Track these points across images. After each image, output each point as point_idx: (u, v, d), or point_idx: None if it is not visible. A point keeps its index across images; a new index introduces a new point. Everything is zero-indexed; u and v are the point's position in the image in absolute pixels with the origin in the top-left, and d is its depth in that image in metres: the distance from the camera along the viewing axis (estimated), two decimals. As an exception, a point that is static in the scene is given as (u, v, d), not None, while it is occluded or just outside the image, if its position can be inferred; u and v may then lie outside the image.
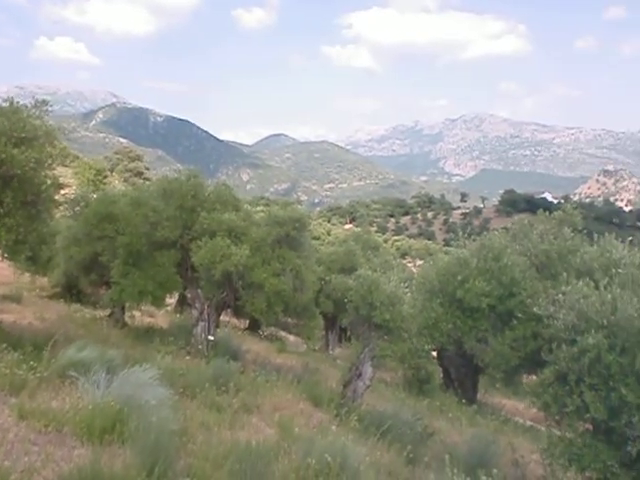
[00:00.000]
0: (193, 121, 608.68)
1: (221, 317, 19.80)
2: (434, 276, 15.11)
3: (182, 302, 24.36)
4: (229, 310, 21.29)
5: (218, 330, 16.71)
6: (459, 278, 14.41)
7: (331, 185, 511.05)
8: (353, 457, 7.33)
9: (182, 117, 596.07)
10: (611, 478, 7.13)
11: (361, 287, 11.76)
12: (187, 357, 13.16)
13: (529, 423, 16.98)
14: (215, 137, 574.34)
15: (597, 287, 7.40)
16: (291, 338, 27.34)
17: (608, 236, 8.97)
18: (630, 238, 8.64)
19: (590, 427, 7.62)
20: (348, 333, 27.29)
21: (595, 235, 9.54)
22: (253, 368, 14.00)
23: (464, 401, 16.73)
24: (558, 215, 14.09)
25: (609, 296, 7.11)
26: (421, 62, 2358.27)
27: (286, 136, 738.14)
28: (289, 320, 24.85)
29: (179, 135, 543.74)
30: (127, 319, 18.34)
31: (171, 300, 24.24)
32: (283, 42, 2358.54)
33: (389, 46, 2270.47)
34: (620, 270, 7.50)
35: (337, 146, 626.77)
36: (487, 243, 14.51)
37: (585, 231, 12.55)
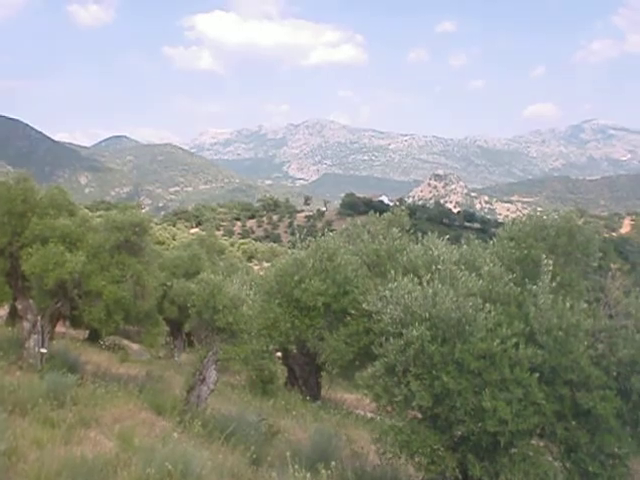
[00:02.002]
0: (25, 121, 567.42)
1: (57, 329, 18.73)
2: (272, 277, 15.45)
3: (14, 314, 22.74)
4: (66, 321, 20.22)
5: (54, 342, 15.80)
6: (296, 278, 14.87)
7: (176, 189, 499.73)
8: (195, 463, 7.32)
9: (13, 116, 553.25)
10: (438, 461, 7.68)
11: (204, 291, 11.72)
12: (18, 372, 12.33)
13: (370, 415, 17.79)
14: (50, 138, 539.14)
15: (421, 283, 7.98)
16: (134, 347, 26.48)
17: (431, 235, 9.69)
18: (447, 236, 9.39)
19: (418, 414, 8.18)
20: (192, 338, 26.95)
21: (420, 234, 10.32)
22: (93, 380, 13.41)
23: (309, 398, 17.20)
24: (388, 216, 14.96)
25: (430, 291, 7.69)
26: (265, 67, 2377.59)
27: (128, 138, 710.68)
28: (131, 328, 24.09)
29: (10, 136, 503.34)
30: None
31: (1, 312, 22.54)
32: (122, 41, 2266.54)
33: (233, 50, 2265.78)
34: (440, 267, 8.14)
35: (181, 149, 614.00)
36: (322, 244, 15.11)
37: (412, 231, 13.46)
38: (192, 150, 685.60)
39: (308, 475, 7.32)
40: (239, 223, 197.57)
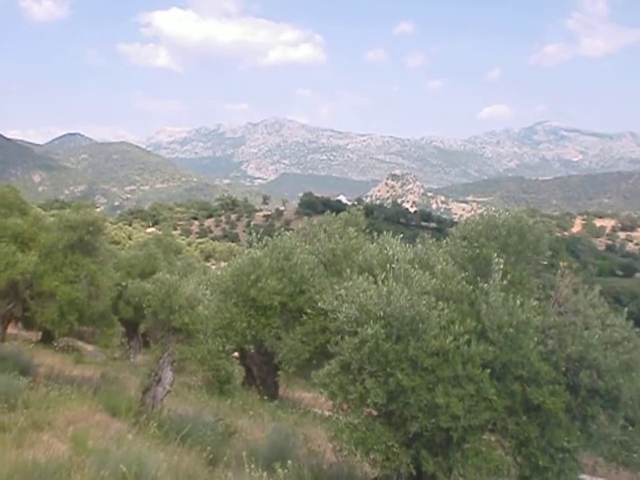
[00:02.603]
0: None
1: (9, 330, 18.32)
2: (228, 277, 15.40)
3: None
4: (18, 322, 19.79)
5: (6, 344, 15.45)
6: (252, 278, 14.85)
7: (132, 187, 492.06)
8: (150, 464, 7.25)
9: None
10: (392, 458, 7.79)
11: (159, 291, 11.62)
12: (-35, 377, 11.99)
13: (327, 413, 17.88)
14: (2, 136, 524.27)
15: (376, 282, 8.08)
16: (89, 348, 26.05)
17: (386, 234, 9.80)
18: (401, 235, 9.51)
19: (373, 412, 8.28)
20: (148, 339, 26.68)
21: (376, 233, 10.42)
22: (46, 382, 13.15)
23: (266, 398, 17.19)
24: (344, 216, 15.08)
25: (385, 289, 7.79)
26: (223, 65, 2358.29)
27: (82, 136, 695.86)
28: (85, 329, 23.69)
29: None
30: None
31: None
32: (76, 37, 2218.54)
33: (191, 47, 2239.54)
34: (394, 265, 8.25)
35: (138, 147, 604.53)
36: (279, 243, 15.12)
37: (368, 230, 13.60)
38: (149, 148, 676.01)
39: (264, 474, 7.34)
40: (197, 222, 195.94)
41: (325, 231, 14.03)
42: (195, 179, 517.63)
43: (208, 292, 15.78)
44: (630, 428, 8.55)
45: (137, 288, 20.15)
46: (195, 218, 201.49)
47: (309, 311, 12.43)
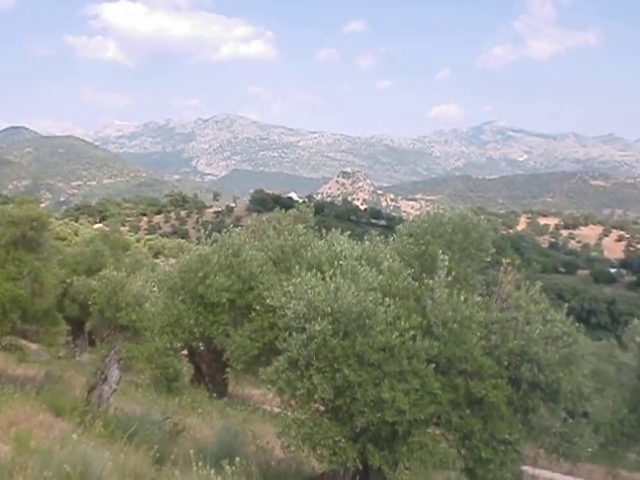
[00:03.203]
0: None
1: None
2: (176, 273, 15.26)
3: None
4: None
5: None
6: (200, 274, 14.74)
7: (79, 183, 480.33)
8: (96, 464, 7.16)
9: None
10: (339, 452, 7.88)
11: (105, 288, 11.48)
12: None
13: (276, 410, 17.91)
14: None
15: (324, 278, 8.15)
16: (33, 347, 25.38)
17: (334, 231, 9.90)
18: (348, 232, 9.63)
19: (320, 407, 8.35)
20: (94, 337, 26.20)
21: (325, 230, 10.52)
22: (-13, 383, 12.80)
23: (215, 395, 17.12)
24: (293, 213, 15.13)
25: (332, 286, 7.87)
26: (174, 60, 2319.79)
27: (27, 129, 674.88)
28: (29, 327, 23.10)
29: None
30: None
31: None
32: (20, 28, 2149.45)
33: (140, 41, 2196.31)
34: (342, 262, 8.34)
35: (84, 141, 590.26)
36: (227, 240, 15.05)
37: (317, 227, 13.68)
38: (96, 143, 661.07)
39: (212, 472, 7.32)
40: (145, 219, 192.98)
41: (274, 228, 14.04)
42: (144, 175, 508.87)
43: (156, 289, 15.63)
44: (570, 420, 8.85)
45: (83, 285, 19.77)
46: (144, 214, 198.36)
47: (258, 308, 12.42)
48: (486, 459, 7.96)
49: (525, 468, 10.40)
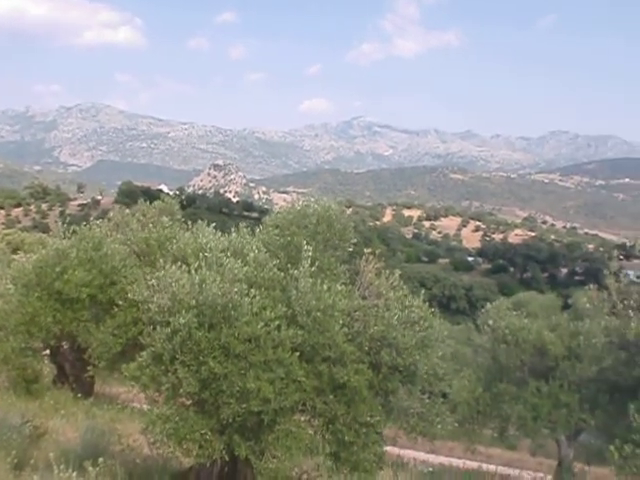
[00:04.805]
0: None
1: None
2: (31, 269, 14.41)
3: None
4: None
5: None
6: (57, 269, 14.01)
7: None
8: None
9: None
10: (206, 445, 7.84)
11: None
12: None
13: (146, 407, 17.47)
14: None
15: (189, 271, 8.05)
16: None
17: (200, 223, 9.80)
18: (214, 224, 9.56)
19: (186, 401, 8.26)
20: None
21: (190, 222, 10.38)
22: None
23: (81, 395, 16.42)
24: (158, 205, 14.81)
25: (197, 278, 7.79)
26: (33, 43, 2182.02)
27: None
28: None
29: None
30: None
31: None
32: None
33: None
34: (207, 254, 8.28)
35: None
36: (87, 233, 14.41)
37: (184, 219, 13.47)
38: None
39: (74, 474, 7.06)
40: (3, 212, 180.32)
41: (138, 220, 13.63)
42: (1, 165, 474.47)
43: (11, 286, 14.68)
44: (427, 400, 9.37)
45: None
46: (1, 207, 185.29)
47: (121, 303, 12.04)
48: (349, 442, 8.24)
49: (387, 448, 10.89)
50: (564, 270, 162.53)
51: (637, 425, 7.72)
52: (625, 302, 8.91)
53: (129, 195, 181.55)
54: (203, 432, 7.76)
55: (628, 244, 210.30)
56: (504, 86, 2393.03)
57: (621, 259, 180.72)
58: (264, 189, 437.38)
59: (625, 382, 8.96)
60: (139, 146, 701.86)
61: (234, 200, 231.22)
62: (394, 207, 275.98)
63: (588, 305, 9.65)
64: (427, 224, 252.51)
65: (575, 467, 16.85)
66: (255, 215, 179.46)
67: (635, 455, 7.80)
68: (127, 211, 14.37)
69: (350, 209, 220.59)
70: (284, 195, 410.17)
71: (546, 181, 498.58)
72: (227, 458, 8.09)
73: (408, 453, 20.38)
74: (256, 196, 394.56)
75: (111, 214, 14.42)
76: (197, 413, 7.97)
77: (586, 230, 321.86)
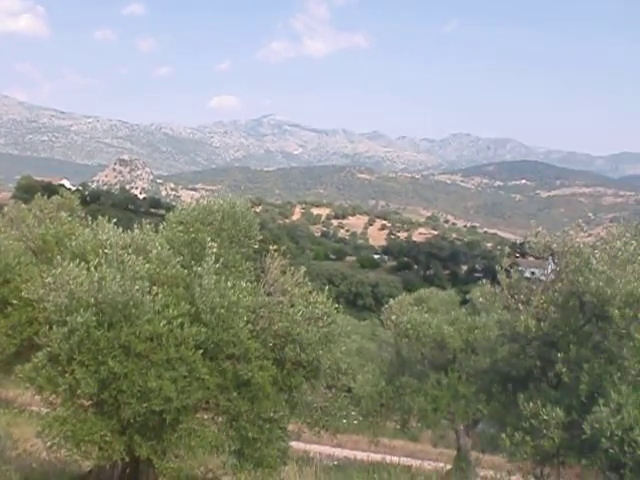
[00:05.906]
0: None
1: None
2: None
3: None
4: None
5: None
6: None
7: None
8: None
9: None
10: (105, 447, 7.64)
11: None
12: None
13: (46, 410, 16.80)
14: None
15: (88, 268, 7.81)
16: None
17: (101, 219, 9.52)
18: (115, 220, 9.32)
19: (85, 402, 8.02)
20: None
21: (89, 219, 10.05)
22: None
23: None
24: (56, 199, 14.28)
25: (97, 275, 7.57)
26: None
27: None
28: None
29: None
30: None
31: None
32: None
33: None
34: (107, 251, 8.07)
35: None
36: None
37: (84, 215, 12.99)
38: None
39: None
40: None
41: (35, 216, 13.03)
42: None
43: None
44: (329, 395, 9.55)
45: None
46: None
47: (15, 302, 11.52)
48: (253, 438, 8.28)
49: (295, 444, 11.01)
50: (464, 267, 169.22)
51: (526, 413, 8.16)
52: (515, 297, 9.42)
53: (28, 190, 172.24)
54: (102, 433, 7.57)
55: (518, 242, 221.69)
56: (409, 88, 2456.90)
57: (517, 256, 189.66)
58: (172, 186, 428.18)
59: (517, 373, 9.47)
60: (40, 139, 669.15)
61: (141, 197, 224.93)
62: (303, 205, 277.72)
63: (482, 300, 10.12)
64: (335, 222, 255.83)
65: (471, 455, 17.64)
66: (162, 212, 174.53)
67: (525, 442, 8.24)
68: (23, 206, 13.68)
69: (260, 207, 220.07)
70: (192, 192, 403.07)
71: (448, 182, 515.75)
72: (127, 459, 7.93)
73: (314, 448, 20.62)
74: (164, 193, 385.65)
75: (6, 209, 13.70)
76: (96, 414, 7.77)
77: (485, 229, 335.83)
